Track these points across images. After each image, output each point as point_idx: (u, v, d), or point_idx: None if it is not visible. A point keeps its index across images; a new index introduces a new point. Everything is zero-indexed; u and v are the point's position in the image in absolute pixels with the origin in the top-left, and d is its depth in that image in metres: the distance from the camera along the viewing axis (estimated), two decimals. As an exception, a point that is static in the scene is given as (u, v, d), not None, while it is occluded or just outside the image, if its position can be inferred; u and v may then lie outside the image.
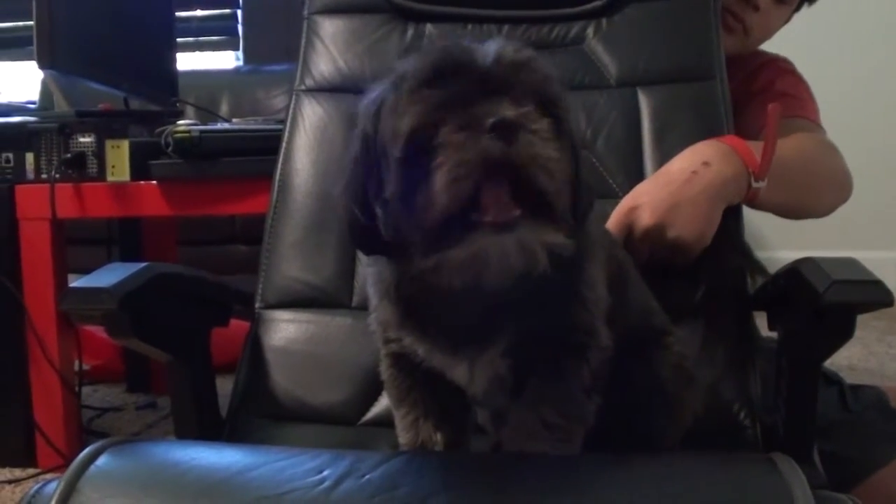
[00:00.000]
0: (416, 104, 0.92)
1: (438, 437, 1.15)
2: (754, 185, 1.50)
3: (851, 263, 1.17)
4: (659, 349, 1.26)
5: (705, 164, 1.46)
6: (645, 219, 1.43)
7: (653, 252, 1.44)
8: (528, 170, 0.88)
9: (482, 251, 0.91)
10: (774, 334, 1.37)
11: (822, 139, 1.84)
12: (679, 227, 1.42)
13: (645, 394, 1.22)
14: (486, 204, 0.88)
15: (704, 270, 1.45)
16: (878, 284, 1.11)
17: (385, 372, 1.18)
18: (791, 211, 1.74)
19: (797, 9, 2.09)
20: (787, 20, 2.10)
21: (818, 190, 1.78)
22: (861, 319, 1.15)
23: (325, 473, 0.93)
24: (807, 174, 1.69)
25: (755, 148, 1.51)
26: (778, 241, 1.86)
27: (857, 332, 1.17)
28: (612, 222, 1.46)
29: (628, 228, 1.45)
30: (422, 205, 0.90)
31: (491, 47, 0.94)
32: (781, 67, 2.06)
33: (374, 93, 1.00)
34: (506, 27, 1.80)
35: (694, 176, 1.45)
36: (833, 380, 1.92)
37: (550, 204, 0.91)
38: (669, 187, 1.45)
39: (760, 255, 1.61)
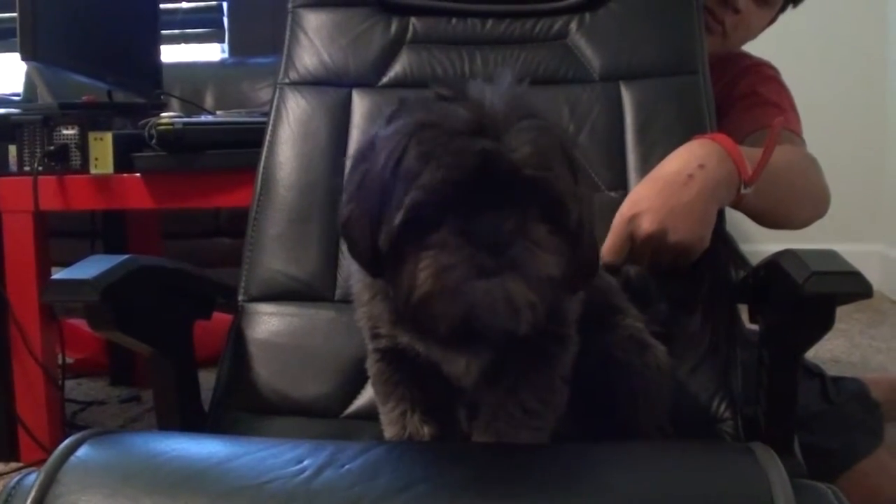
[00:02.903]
0: (422, 186, 0.93)
1: (426, 430, 1.16)
2: (743, 190, 1.50)
3: (831, 255, 1.18)
4: (612, 324, 1.28)
5: (701, 166, 1.46)
6: (645, 226, 1.43)
7: (655, 256, 1.44)
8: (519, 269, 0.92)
9: (474, 302, 0.94)
10: (756, 326, 1.38)
11: (806, 154, 1.84)
12: (680, 231, 1.42)
13: (602, 365, 1.22)
14: (488, 274, 0.92)
15: (704, 269, 1.45)
16: (856, 275, 1.11)
17: (372, 367, 1.18)
18: (769, 218, 1.74)
19: (782, 10, 2.09)
20: (772, 22, 2.10)
21: (799, 202, 1.79)
22: (844, 312, 1.16)
23: (306, 463, 0.93)
24: (791, 186, 1.70)
25: (745, 152, 1.51)
26: (761, 235, 1.87)
27: (841, 325, 1.17)
28: (613, 232, 1.45)
29: (629, 236, 1.45)
30: (407, 280, 0.94)
31: (507, 145, 0.93)
32: (765, 74, 2.06)
33: (386, 132, 0.99)
34: (489, 22, 1.80)
35: (690, 180, 1.45)
36: (815, 372, 1.93)
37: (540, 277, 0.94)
38: (667, 191, 1.44)
39: (744, 248, 1.62)
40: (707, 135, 1.55)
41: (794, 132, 1.94)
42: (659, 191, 1.45)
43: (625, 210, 1.46)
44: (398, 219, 0.93)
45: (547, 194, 0.94)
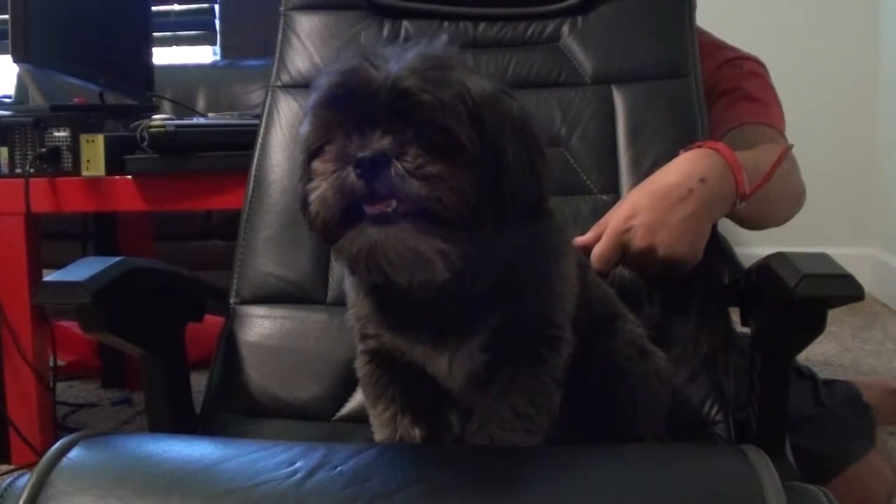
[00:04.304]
0: (313, 121, 0.98)
1: (416, 432, 1.16)
2: (738, 205, 1.50)
3: (822, 258, 1.18)
4: (613, 330, 1.28)
5: (702, 180, 1.45)
6: (638, 241, 1.43)
7: (646, 267, 1.44)
8: (397, 195, 0.92)
9: (368, 243, 0.94)
10: (748, 329, 1.38)
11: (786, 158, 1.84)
12: (672, 248, 1.42)
13: (603, 370, 1.23)
14: (367, 199, 0.93)
15: (698, 277, 1.45)
16: (848, 278, 1.12)
17: (362, 369, 1.18)
18: (752, 222, 1.74)
19: None
20: None
21: (781, 205, 1.79)
22: (836, 315, 1.16)
23: (298, 465, 0.93)
24: (777, 190, 1.69)
25: (742, 160, 1.50)
26: (752, 238, 1.88)
27: (832, 328, 1.17)
28: (606, 240, 1.45)
29: (621, 247, 1.44)
30: (312, 214, 0.98)
31: (388, 69, 0.95)
32: (749, 69, 2.05)
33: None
34: (482, 25, 1.80)
35: (690, 194, 1.44)
36: (806, 374, 1.93)
37: (436, 216, 0.93)
38: (664, 205, 1.44)
39: (735, 251, 1.62)
40: (709, 142, 1.54)
41: (776, 129, 1.93)
42: (656, 204, 1.45)
43: (620, 220, 1.45)
44: (299, 157, 1.00)
45: (424, 116, 0.94)
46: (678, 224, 1.42)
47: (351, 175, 0.92)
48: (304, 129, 0.99)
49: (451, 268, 0.96)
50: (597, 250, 1.44)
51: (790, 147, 1.59)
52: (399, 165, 0.91)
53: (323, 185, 0.95)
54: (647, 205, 1.45)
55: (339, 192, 0.93)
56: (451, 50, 1.01)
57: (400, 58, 0.96)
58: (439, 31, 1.79)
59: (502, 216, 0.99)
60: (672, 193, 1.44)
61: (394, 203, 0.92)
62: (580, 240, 1.46)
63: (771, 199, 1.66)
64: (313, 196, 0.96)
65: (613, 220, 1.46)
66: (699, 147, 1.52)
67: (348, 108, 0.95)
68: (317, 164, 0.96)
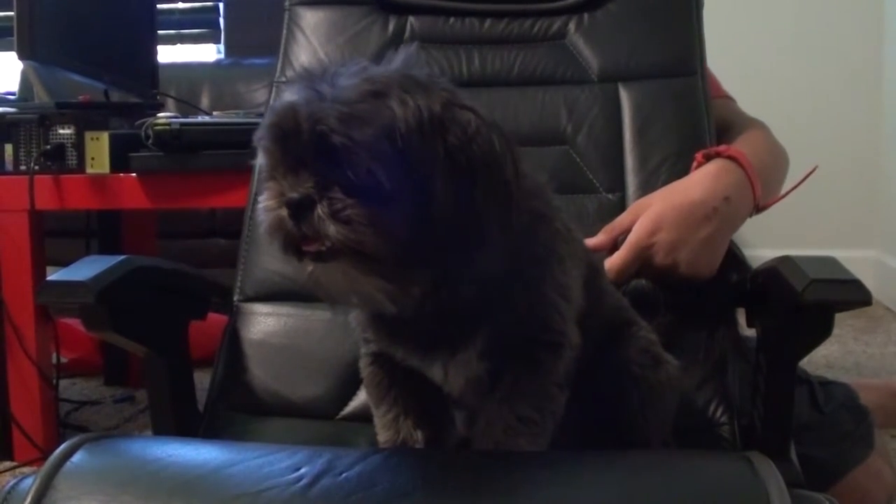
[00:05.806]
0: (260, 155, 1.01)
1: (419, 434, 1.15)
2: (752, 215, 1.51)
3: (830, 262, 1.17)
4: (627, 336, 1.27)
5: (726, 199, 1.46)
6: (660, 257, 1.43)
7: (663, 279, 1.45)
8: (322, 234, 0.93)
9: (312, 277, 0.98)
10: (752, 331, 1.38)
11: (764, 127, 1.82)
12: (694, 264, 1.43)
13: (615, 377, 1.23)
14: (301, 238, 0.95)
15: (710, 287, 1.46)
16: (856, 283, 1.11)
17: (365, 370, 1.18)
18: None
19: None
20: None
21: (778, 189, 1.78)
22: (838, 318, 1.16)
23: (303, 471, 0.92)
24: (776, 179, 1.69)
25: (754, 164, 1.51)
26: (758, 239, 1.87)
27: (835, 331, 1.17)
28: (626, 253, 1.44)
29: (642, 262, 1.44)
30: None
31: (312, 109, 0.94)
32: None
33: None
34: (488, 21, 1.79)
35: (714, 213, 1.45)
36: (802, 378, 1.92)
37: (366, 255, 0.94)
38: (687, 224, 1.44)
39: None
40: (729, 150, 1.53)
41: (723, 96, 1.91)
42: (681, 221, 1.44)
43: (643, 234, 1.44)
44: (252, 185, 0.99)
45: (342, 158, 0.93)
46: (701, 243, 1.43)
47: (285, 214, 0.94)
48: (259, 160, 1.01)
49: (398, 301, 0.98)
50: (616, 263, 1.43)
51: (814, 169, 1.58)
52: (319, 209, 0.92)
53: (265, 223, 0.97)
54: (671, 222, 1.44)
55: (277, 230, 0.96)
56: (406, 64, 1.03)
57: (338, 88, 0.96)
58: (445, 28, 1.79)
59: (442, 250, 0.97)
60: (697, 211, 1.44)
61: (327, 242, 0.93)
62: (590, 242, 1.44)
63: (772, 187, 1.66)
64: (261, 230, 0.99)
65: (636, 233, 1.45)
66: (718, 155, 1.51)
67: (282, 148, 0.96)
68: (261, 200, 0.98)
